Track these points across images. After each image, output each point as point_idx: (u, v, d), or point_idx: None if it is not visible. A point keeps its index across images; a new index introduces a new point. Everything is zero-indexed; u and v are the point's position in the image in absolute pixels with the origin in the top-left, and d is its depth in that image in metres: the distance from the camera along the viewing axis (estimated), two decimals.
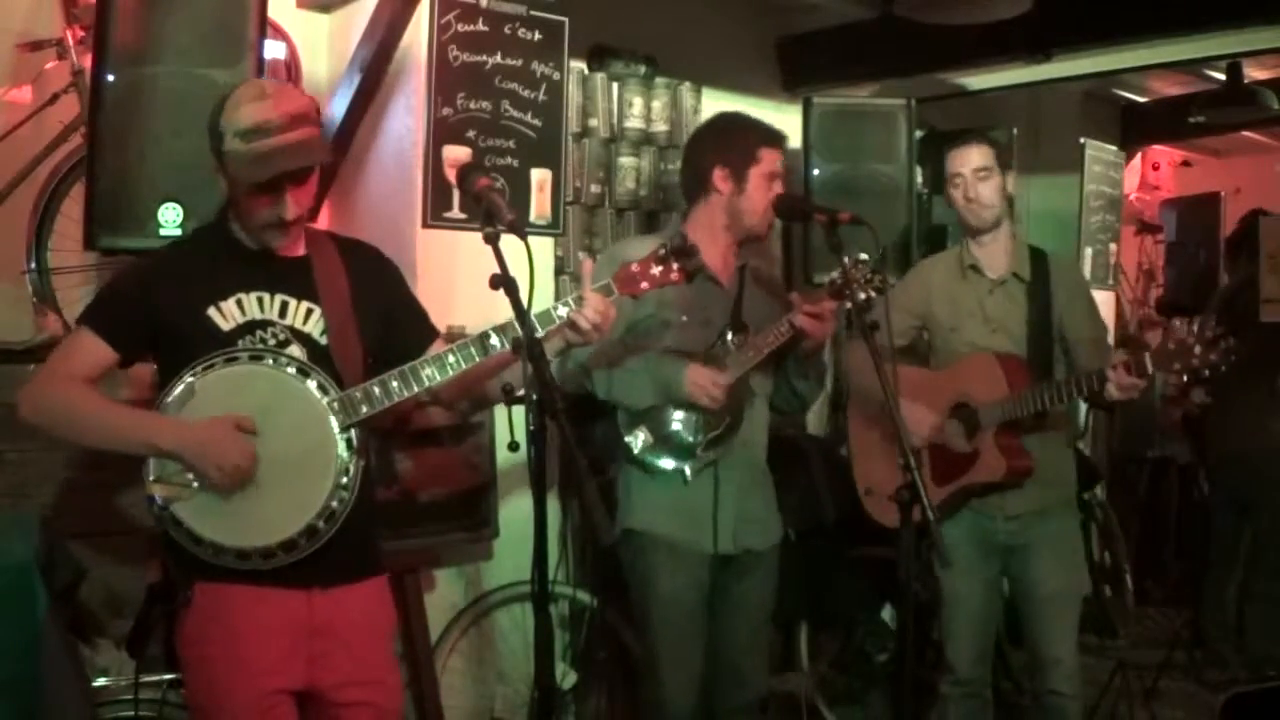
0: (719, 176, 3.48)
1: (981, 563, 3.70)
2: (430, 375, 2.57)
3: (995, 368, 3.59)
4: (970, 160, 3.69)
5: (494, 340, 2.60)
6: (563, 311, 2.65)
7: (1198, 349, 3.17)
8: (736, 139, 3.50)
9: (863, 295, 3.27)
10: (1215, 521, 5.76)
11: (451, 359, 2.59)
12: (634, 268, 2.76)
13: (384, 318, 2.72)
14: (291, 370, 2.52)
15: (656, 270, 2.76)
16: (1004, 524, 3.66)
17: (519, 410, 2.60)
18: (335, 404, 2.51)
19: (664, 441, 3.42)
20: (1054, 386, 3.46)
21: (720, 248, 3.52)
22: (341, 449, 2.52)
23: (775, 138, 3.53)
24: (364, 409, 2.53)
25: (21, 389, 2.52)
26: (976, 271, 3.74)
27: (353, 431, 2.53)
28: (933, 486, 3.63)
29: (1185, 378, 3.23)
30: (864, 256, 3.25)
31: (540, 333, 2.55)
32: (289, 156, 2.47)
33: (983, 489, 3.63)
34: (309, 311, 2.61)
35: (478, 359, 2.61)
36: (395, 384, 2.55)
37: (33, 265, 3.63)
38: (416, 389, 2.57)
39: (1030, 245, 3.80)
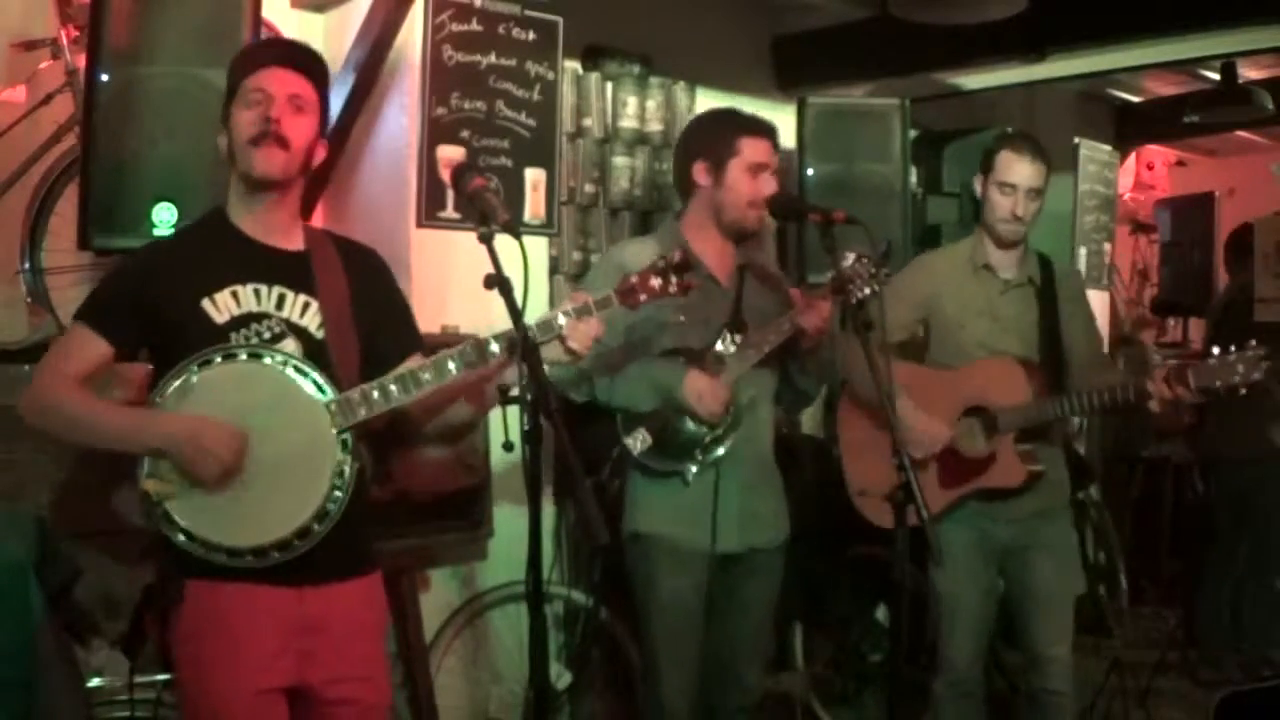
0: (699, 171, 3.47)
1: (980, 564, 3.69)
2: (429, 379, 2.55)
3: (1018, 372, 3.56)
4: (1029, 175, 3.60)
5: (494, 347, 2.57)
6: (562, 321, 2.63)
7: (1240, 366, 3.18)
8: (714, 132, 3.49)
9: (865, 291, 3.27)
10: (1214, 522, 5.76)
11: (451, 365, 2.57)
12: (633, 279, 2.75)
13: (375, 319, 2.71)
14: (290, 369, 2.51)
15: (655, 283, 2.76)
16: (1005, 526, 3.65)
17: (513, 410, 2.61)
18: (333, 405, 2.50)
19: (663, 443, 3.40)
20: (1085, 394, 3.45)
21: (715, 245, 3.50)
22: (337, 450, 2.51)
23: (756, 127, 3.47)
24: (362, 412, 2.51)
25: (23, 392, 2.52)
26: (989, 271, 3.71)
27: (349, 433, 2.53)
28: (938, 490, 3.61)
29: (1224, 394, 3.24)
30: (851, 255, 3.24)
31: (539, 339, 2.55)
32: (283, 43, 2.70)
33: (992, 492, 3.62)
34: (306, 305, 2.60)
35: (477, 366, 2.59)
36: (394, 388, 2.54)
37: (27, 265, 3.63)
38: (416, 394, 2.55)
39: (1036, 251, 3.78)
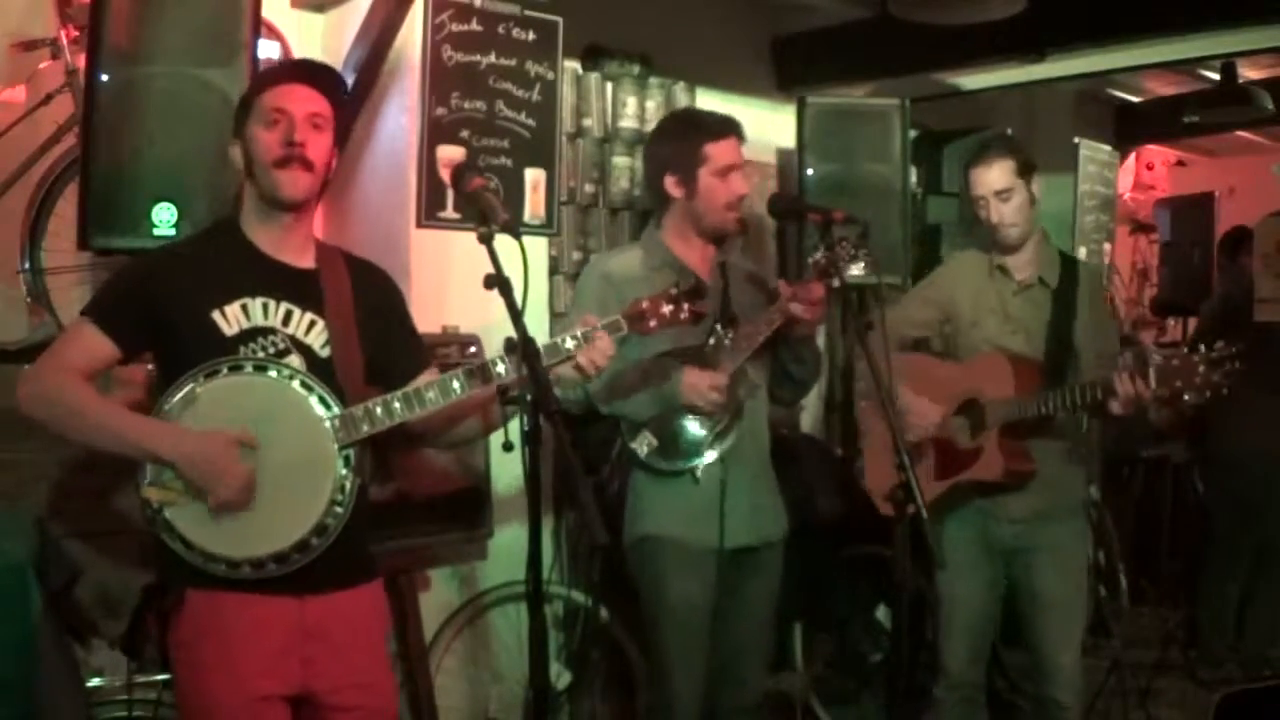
0: (670, 184, 3.48)
1: (984, 564, 3.68)
2: (433, 399, 2.57)
3: (1006, 368, 3.57)
4: (991, 181, 3.62)
5: (499, 368, 2.59)
6: (570, 345, 2.64)
7: (1202, 368, 3.16)
8: (679, 142, 3.49)
9: (853, 270, 3.27)
10: (1216, 522, 5.76)
11: (455, 384, 2.58)
12: (644, 305, 2.77)
13: (381, 339, 2.71)
14: (296, 383, 2.51)
15: (667, 309, 2.78)
16: (1008, 526, 3.64)
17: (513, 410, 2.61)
18: (336, 421, 2.51)
19: (670, 444, 3.42)
20: (1058, 393, 3.44)
21: (696, 248, 3.53)
22: (339, 466, 2.51)
23: (719, 129, 3.48)
24: (365, 428, 2.52)
25: (21, 378, 2.51)
26: (1004, 272, 3.72)
27: (351, 449, 2.53)
28: (933, 481, 3.62)
29: (1186, 396, 3.22)
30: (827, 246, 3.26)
31: (548, 362, 2.56)
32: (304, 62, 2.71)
33: (981, 487, 3.61)
34: (312, 323, 2.61)
35: (481, 386, 2.60)
36: (398, 405, 2.55)
37: (27, 265, 3.63)
38: (419, 411, 2.57)
39: (1061, 251, 3.78)
